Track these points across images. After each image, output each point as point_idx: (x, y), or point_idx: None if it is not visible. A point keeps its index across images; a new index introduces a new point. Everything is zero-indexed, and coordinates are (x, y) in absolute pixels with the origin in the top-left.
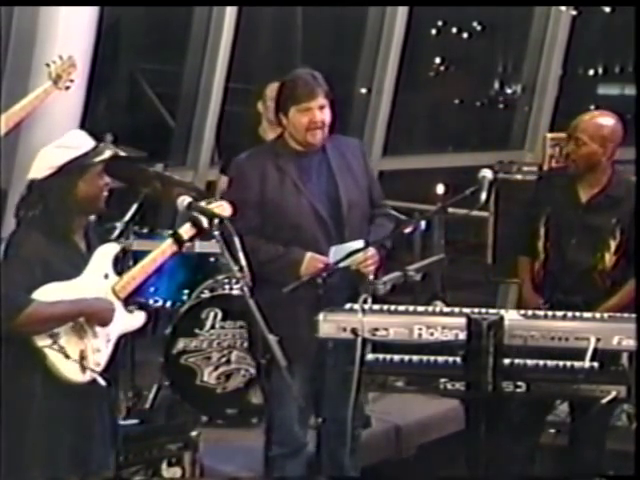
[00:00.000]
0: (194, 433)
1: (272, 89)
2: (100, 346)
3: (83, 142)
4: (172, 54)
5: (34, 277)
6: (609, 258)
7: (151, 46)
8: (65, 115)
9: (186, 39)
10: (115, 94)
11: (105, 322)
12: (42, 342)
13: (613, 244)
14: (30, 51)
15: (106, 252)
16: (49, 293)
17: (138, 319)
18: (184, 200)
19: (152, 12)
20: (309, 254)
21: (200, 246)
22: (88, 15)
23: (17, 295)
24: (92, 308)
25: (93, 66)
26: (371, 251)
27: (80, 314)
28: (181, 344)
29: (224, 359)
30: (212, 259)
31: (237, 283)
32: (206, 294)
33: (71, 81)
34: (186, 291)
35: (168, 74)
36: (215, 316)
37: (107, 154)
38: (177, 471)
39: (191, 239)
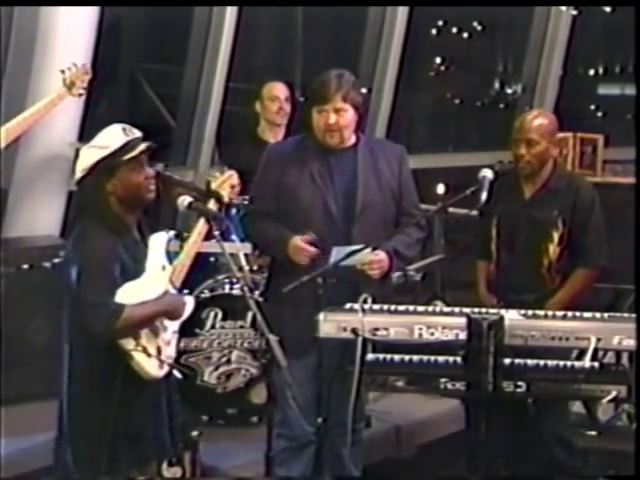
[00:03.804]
0: (194, 433)
1: (269, 89)
2: (169, 338)
3: (113, 141)
4: (172, 54)
5: (115, 278)
6: (553, 250)
7: (152, 46)
8: (66, 115)
9: (186, 39)
10: (116, 94)
11: (180, 317)
12: (129, 345)
13: (556, 235)
14: (30, 51)
15: (158, 242)
16: (128, 294)
17: (190, 305)
18: (184, 200)
19: (153, 12)
20: (295, 237)
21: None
22: (88, 15)
23: (110, 302)
24: (173, 306)
25: (94, 66)
26: (380, 255)
27: (165, 313)
28: (181, 344)
29: (224, 359)
30: (212, 259)
31: (237, 283)
32: (206, 294)
33: (84, 88)
34: (186, 291)
35: (168, 74)
36: (215, 316)
37: (137, 150)
38: (177, 471)
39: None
